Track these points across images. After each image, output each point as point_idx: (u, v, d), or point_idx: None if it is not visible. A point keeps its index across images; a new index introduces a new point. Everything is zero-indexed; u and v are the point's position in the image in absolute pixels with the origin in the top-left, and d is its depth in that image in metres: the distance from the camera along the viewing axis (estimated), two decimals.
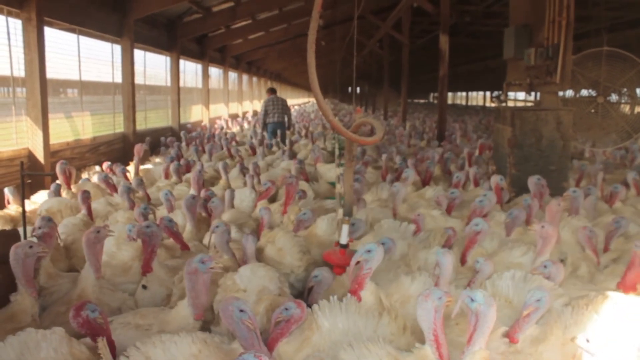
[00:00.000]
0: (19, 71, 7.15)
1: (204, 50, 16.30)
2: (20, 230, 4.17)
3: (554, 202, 4.49)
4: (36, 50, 7.04)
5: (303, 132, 14.13)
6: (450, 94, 43.21)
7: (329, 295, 2.93)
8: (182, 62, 14.32)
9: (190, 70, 16.41)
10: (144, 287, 3.53)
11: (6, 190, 5.69)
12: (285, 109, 12.46)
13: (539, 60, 6.44)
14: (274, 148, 10.79)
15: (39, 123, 7.18)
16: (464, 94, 47.07)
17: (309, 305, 2.83)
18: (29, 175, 6.50)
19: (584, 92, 8.36)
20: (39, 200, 5.87)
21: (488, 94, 38.64)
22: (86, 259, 3.31)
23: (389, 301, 3.02)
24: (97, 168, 8.20)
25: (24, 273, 2.97)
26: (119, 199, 5.77)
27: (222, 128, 15.97)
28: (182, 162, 8.03)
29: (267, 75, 30.84)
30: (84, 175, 7.81)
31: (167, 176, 7.41)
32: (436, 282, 3.18)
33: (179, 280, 3.44)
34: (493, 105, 28.25)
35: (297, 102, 44.21)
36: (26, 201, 5.24)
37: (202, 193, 5.54)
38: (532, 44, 6.68)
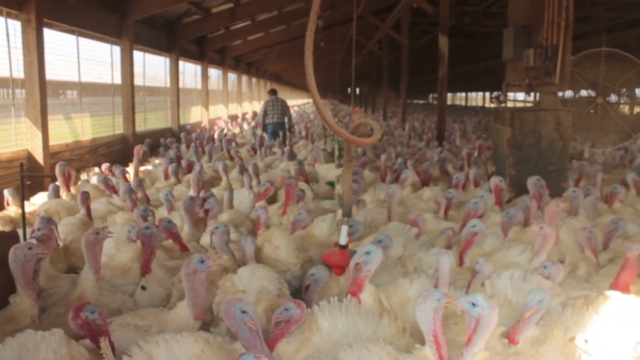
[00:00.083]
0: (19, 72, 7.14)
1: (204, 51, 16.30)
2: (20, 231, 4.16)
3: (553, 203, 4.48)
4: (35, 51, 7.04)
5: (303, 133, 14.13)
6: (449, 95, 43.28)
7: (325, 293, 2.93)
8: (181, 63, 14.32)
9: (190, 71, 16.41)
10: (143, 288, 3.54)
11: (5, 192, 5.69)
12: (285, 109, 12.47)
13: (538, 60, 6.43)
14: (275, 149, 10.78)
15: (38, 124, 7.17)
16: (463, 94, 47.08)
17: (306, 303, 2.83)
18: (29, 176, 6.51)
19: (583, 93, 8.35)
20: (38, 201, 5.87)
21: (487, 94, 38.68)
22: (85, 261, 3.31)
23: (388, 303, 3.02)
24: (97, 169, 8.20)
25: (23, 275, 2.97)
26: (118, 200, 5.78)
27: (222, 130, 15.91)
28: (183, 163, 8.04)
29: (267, 77, 30.85)
30: (83, 177, 7.80)
31: (166, 177, 7.42)
32: (435, 284, 3.18)
33: (178, 281, 3.45)
34: (492, 105, 28.29)
35: (297, 103, 44.21)
36: (25, 202, 5.23)
37: (202, 194, 5.54)
38: (531, 45, 6.68)
